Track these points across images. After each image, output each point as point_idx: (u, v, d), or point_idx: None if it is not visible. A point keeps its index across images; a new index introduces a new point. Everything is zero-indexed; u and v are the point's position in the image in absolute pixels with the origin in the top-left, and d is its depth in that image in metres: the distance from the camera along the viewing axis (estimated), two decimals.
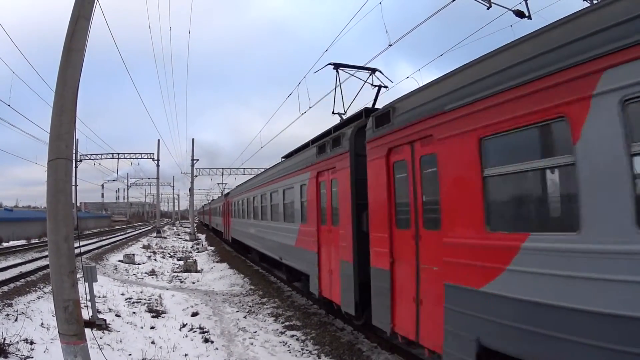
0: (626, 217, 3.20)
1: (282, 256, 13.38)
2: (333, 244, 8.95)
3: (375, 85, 10.38)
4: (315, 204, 9.94)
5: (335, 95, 11.17)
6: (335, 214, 8.78)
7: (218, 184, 58.39)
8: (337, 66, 10.85)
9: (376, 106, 9.18)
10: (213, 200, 59.02)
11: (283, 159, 14.46)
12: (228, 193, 33.38)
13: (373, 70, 10.70)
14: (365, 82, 10.77)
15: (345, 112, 11.19)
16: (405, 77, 13.56)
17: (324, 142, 9.45)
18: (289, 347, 8.40)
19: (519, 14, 8.94)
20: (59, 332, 5.30)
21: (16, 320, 9.07)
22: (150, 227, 69.25)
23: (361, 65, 10.98)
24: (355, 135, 8.02)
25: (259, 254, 18.73)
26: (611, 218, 3.32)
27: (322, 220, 9.65)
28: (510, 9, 9.04)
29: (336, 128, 9.65)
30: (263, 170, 21.98)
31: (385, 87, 10.37)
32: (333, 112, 11.28)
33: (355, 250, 7.79)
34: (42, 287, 13.37)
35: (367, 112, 8.44)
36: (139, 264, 22.60)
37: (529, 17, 8.83)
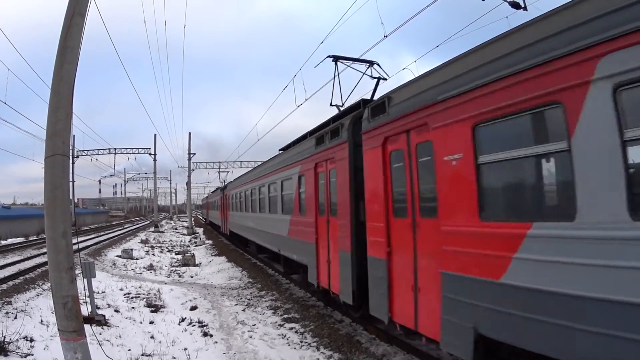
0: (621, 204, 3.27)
1: (280, 248, 13.49)
2: (332, 234, 9.05)
3: (375, 77, 10.46)
4: (313, 195, 10.01)
5: (333, 88, 11.20)
6: (334, 204, 8.83)
7: (224, 179, 57.86)
8: (335, 58, 10.95)
9: (375, 98, 8.97)
10: (210, 194, 58.41)
11: (280, 152, 14.60)
12: (225, 186, 32.75)
13: (371, 63, 10.79)
14: (364, 74, 10.85)
15: (343, 104, 11.23)
16: (402, 68, 13.55)
17: (323, 133, 9.47)
18: (287, 339, 8.46)
19: (515, 5, 8.91)
20: (58, 329, 5.31)
21: (16, 318, 9.08)
22: (148, 222, 69.15)
23: (360, 58, 11.10)
24: (353, 125, 8.11)
25: (257, 247, 18.93)
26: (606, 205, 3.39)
27: (320, 211, 9.73)
28: (505, 0, 9.00)
29: (334, 119, 9.66)
30: (260, 163, 21.85)
31: (385, 79, 10.35)
32: (331, 104, 11.36)
33: (353, 240, 7.89)
34: (41, 284, 13.40)
35: (364, 102, 8.53)
36: (137, 258, 22.61)
37: (525, 9, 8.80)
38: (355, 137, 7.91)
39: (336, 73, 11.07)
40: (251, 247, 21.53)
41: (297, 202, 11.29)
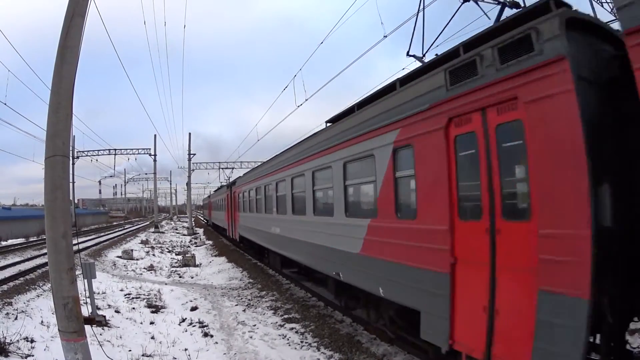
0: None
1: (342, 272, 8.33)
2: (504, 256, 4.56)
3: (500, 2, 7.40)
4: (442, 179, 5.33)
5: (415, 25, 7.86)
6: (513, 195, 4.64)
7: (227, 177, 56.51)
8: None
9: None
10: (213, 193, 55.22)
11: (329, 124, 9.58)
12: (233, 182, 25.85)
13: None
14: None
15: (424, 55, 8.13)
16: (402, 68, 13.52)
17: (473, 57, 4.88)
18: (288, 340, 8.47)
19: (515, 4, 8.91)
20: (59, 330, 5.32)
21: (16, 318, 9.09)
22: (148, 223, 69.15)
23: None
24: (573, 27, 3.98)
25: (283, 259, 13.77)
26: None
27: (464, 210, 5.15)
28: (506, 0, 9.00)
29: (468, 46, 5.14)
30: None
31: (519, 4, 7.41)
32: (408, 54, 8.24)
33: (592, 271, 3.63)
34: (41, 284, 13.41)
35: (558, 3, 4.21)
36: (137, 259, 22.62)
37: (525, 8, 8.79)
38: (576, 62, 3.80)
39: (422, 5, 7.84)
40: (271, 259, 16.24)
41: (389, 196, 6.57)
